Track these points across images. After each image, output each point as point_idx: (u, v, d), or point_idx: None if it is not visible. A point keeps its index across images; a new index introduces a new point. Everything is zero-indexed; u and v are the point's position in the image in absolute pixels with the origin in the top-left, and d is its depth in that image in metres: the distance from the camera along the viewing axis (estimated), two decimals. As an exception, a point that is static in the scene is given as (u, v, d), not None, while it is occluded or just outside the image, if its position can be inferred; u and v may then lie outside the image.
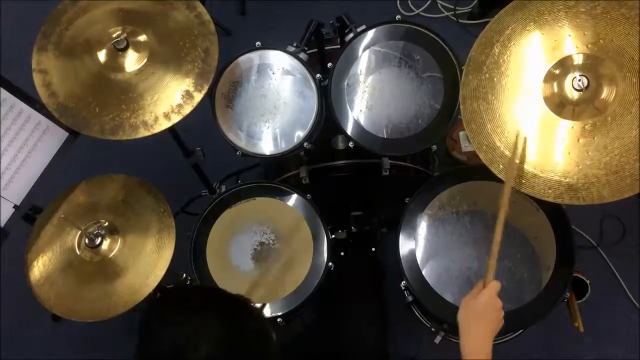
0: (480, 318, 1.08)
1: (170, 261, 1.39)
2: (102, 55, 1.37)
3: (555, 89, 1.17)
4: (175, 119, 1.32)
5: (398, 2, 2.54)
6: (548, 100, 1.17)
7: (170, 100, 1.33)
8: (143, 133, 1.32)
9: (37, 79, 1.35)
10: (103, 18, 1.40)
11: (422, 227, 1.42)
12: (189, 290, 1.00)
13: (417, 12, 2.52)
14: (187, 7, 1.39)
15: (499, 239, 1.12)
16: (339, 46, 1.70)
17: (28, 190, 1.44)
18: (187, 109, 1.33)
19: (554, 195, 1.15)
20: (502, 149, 1.20)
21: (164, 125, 1.32)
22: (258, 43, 1.50)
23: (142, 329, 0.86)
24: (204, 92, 1.34)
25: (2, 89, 1.38)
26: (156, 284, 1.37)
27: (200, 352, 0.79)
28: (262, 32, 2.54)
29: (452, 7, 2.49)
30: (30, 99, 1.42)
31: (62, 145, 1.49)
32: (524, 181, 1.18)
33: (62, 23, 1.39)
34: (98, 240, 1.40)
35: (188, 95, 1.33)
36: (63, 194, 1.50)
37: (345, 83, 1.46)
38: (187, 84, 1.34)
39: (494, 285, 1.09)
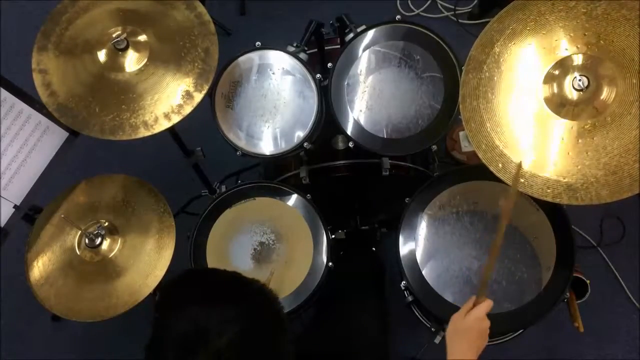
0: (465, 337, 1.11)
1: (170, 261, 1.39)
2: (102, 55, 1.37)
3: (555, 89, 1.16)
4: (176, 119, 1.32)
5: (398, 2, 2.54)
6: (548, 100, 1.17)
7: (170, 100, 1.33)
8: (143, 133, 1.32)
9: (37, 79, 1.35)
10: (103, 18, 1.40)
11: (422, 227, 1.42)
12: (213, 274, 0.99)
13: (417, 12, 2.52)
14: (187, 7, 1.39)
15: (493, 263, 1.15)
16: (339, 46, 1.70)
17: (28, 190, 1.44)
18: (187, 109, 1.33)
19: (552, 195, 1.15)
20: (501, 147, 1.20)
21: (164, 125, 1.32)
22: (258, 43, 1.50)
23: (162, 308, 0.86)
24: (204, 92, 1.34)
25: (2, 89, 1.38)
26: (156, 284, 1.37)
27: (222, 339, 0.80)
28: (262, 32, 2.54)
29: (452, 7, 2.49)
30: (30, 99, 1.42)
31: (62, 145, 1.49)
32: (522, 180, 1.18)
33: (62, 23, 1.39)
34: (98, 240, 1.40)
35: (188, 95, 1.33)
36: (63, 194, 1.50)
37: (345, 83, 1.46)
38: (187, 84, 1.34)
39: (485, 306, 1.13)
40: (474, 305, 1.14)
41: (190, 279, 0.93)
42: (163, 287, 0.87)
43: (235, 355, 0.81)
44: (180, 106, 1.33)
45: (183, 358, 0.80)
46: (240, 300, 0.86)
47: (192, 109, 1.33)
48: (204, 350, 0.79)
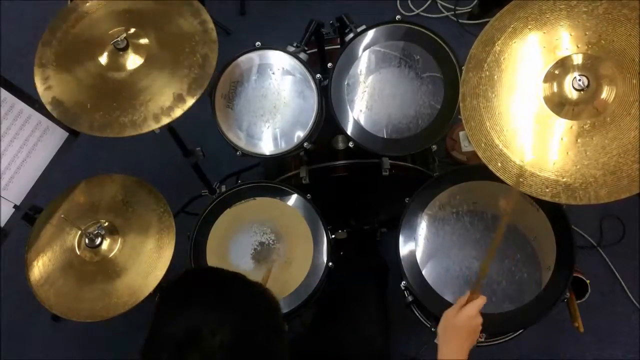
0: (455, 336, 1.11)
1: (170, 261, 1.39)
2: (103, 57, 1.36)
3: (555, 88, 1.16)
4: (177, 113, 1.31)
5: (398, 2, 2.55)
6: (547, 99, 1.17)
7: (169, 100, 1.32)
8: (145, 130, 1.31)
9: (37, 79, 1.35)
10: (107, 19, 1.40)
11: (422, 227, 1.42)
12: (213, 275, 0.98)
13: (417, 12, 2.52)
14: (192, 14, 1.38)
15: (490, 261, 1.15)
16: (339, 46, 1.70)
17: (28, 190, 1.44)
18: (188, 105, 1.31)
19: (551, 194, 1.15)
20: (500, 146, 1.20)
21: (165, 121, 1.31)
22: (258, 43, 1.50)
23: (159, 310, 0.87)
24: (196, 97, 1.32)
25: (2, 89, 1.38)
26: (156, 284, 1.37)
27: (215, 340, 0.80)
28: (262, 32, 2.54)
29: (452, 7, 2.49)
30: (30, 99, 1.42)
31: (62, 145, 1.49)
32: (521, 179, 1.18)
33: (66, 23, 1.39)
34: (98, 240, 1.40)
35: (180, 98, 1.32)
36: (63, 194, 1.50)
37: (345, 83, 1.46)
38: (181, 88, 1.32)
39: (478, 303, 1.11)
40: (468, 301, 1.13)
41: (189, 279, 0.93)
42: (163, 288, 0.87)
43: (229, 357, 0.81)
44: (180, 106, 1.32)
45: (175, 358, 0.80)
46: (237, 302, 0.86)
47: (182, 112, 1.31)
48: (197, 350, 0.79)
